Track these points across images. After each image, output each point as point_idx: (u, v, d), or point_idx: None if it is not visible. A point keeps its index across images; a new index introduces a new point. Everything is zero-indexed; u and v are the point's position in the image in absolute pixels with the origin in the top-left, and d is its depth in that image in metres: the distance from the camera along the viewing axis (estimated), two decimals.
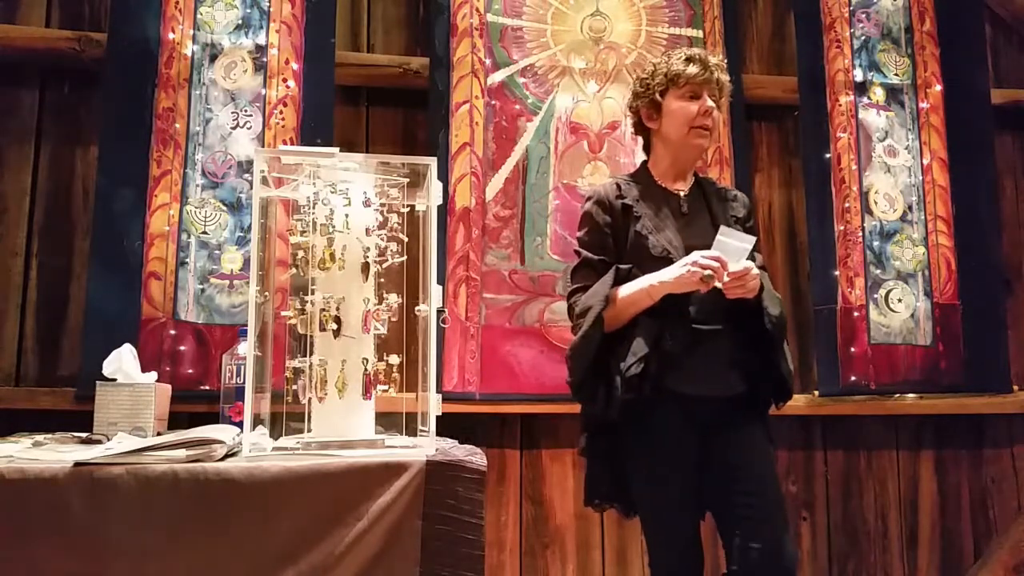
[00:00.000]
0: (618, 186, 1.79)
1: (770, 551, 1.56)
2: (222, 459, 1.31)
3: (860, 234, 2.66)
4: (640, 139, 1.91)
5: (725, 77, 1.80)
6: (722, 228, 1.66)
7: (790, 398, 1.74)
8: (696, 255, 1.61)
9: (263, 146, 2.34)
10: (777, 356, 1.69)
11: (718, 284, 1.60)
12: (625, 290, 1.68)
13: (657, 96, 1.79)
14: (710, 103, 1.75)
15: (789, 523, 1.66)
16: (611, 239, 1.74)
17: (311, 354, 1.47)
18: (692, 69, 1.75)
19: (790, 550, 1.59)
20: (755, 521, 1.57)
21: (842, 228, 2.66)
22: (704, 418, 1.67)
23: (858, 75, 2.77)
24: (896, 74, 2.81)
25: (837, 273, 2.63)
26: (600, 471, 1.76)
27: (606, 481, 1.75)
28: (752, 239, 1.66)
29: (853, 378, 2.59)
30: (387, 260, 1.55)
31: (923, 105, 2.81)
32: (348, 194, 1.50)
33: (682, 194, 1.78)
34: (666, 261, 1.66)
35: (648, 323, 1.65)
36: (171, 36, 2.36)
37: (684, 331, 1.64)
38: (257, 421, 1.51)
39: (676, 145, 1.78)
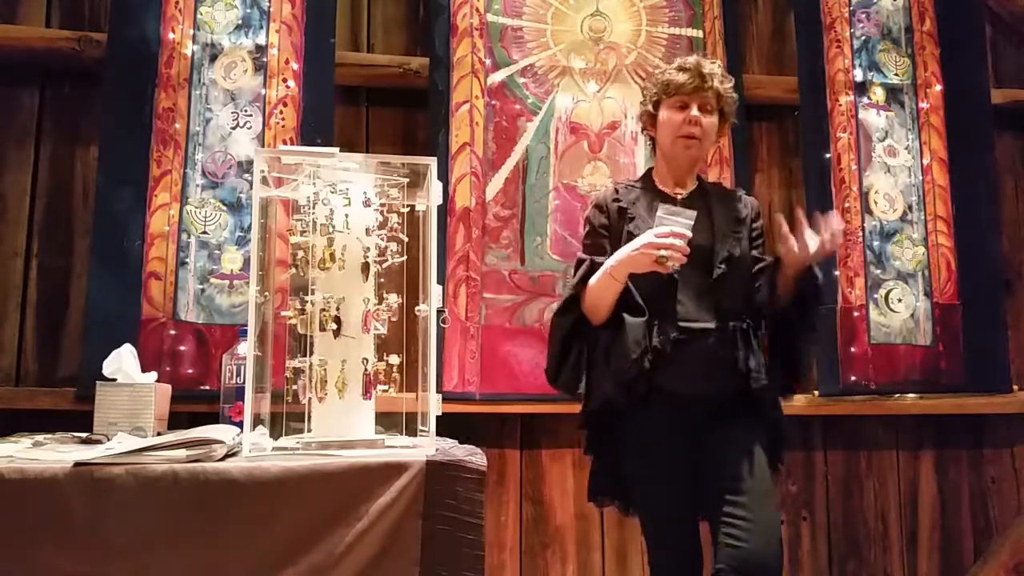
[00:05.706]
0: (616, 190, 1.82)
1: (755, 552, 1.55)
2: (222, 459, 1.31)
3: (860, 234, 2.66)
4: (649, 142, 1.93)
5: (725, 85, 1.77)
6: (661, 207, 1.66)
7: (799, 382, 1.79)
8: (649, 234, 1.61)
9: (263, 146, 2.34)
10: (800, 335, 1.76)
11: (675, 266, 1.60)
12: (593, 279, 1.71)
13: (650, 107, 1.81)
14: (695, 112, 1.73)
15: (778, 524, 1.65)
16: (607, 241, 1.76)
17: (311, 354, 1.46)
18: (681, 78, 1.74)
19: (775, 551, 1.57)
20: (741, 520, 1.56)
21: (842, 228, 2.65)
22: (696, 417, 1.67)
23: (858, 75, 2.77)
24: (896, 74, 2.81)
25: (837, 273, 2.62)
26: (600, 468, 1.80)
27: (606, 478, 1.78)
28: (694, 213, 1.63)
29: (853, 378, 2.59)
30: (387, 260, 1.55)
31: (923, 105, 2.81)
32: (348, 194, 1.50)
33: (680, 197, 1.78)
34: (656, 261, 1.66)
35: (636, 323, 1.65)
36: (171, 36, 2.36)
37: (673, 329, 1.65)
38: (257, 421, 1.50)
39: (668, 154, 1.80)
